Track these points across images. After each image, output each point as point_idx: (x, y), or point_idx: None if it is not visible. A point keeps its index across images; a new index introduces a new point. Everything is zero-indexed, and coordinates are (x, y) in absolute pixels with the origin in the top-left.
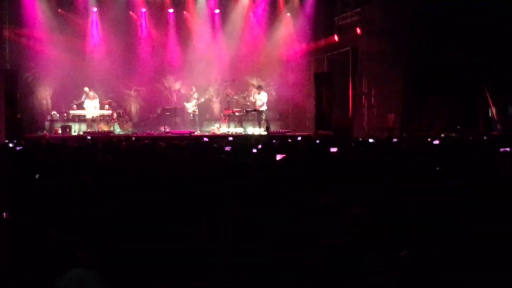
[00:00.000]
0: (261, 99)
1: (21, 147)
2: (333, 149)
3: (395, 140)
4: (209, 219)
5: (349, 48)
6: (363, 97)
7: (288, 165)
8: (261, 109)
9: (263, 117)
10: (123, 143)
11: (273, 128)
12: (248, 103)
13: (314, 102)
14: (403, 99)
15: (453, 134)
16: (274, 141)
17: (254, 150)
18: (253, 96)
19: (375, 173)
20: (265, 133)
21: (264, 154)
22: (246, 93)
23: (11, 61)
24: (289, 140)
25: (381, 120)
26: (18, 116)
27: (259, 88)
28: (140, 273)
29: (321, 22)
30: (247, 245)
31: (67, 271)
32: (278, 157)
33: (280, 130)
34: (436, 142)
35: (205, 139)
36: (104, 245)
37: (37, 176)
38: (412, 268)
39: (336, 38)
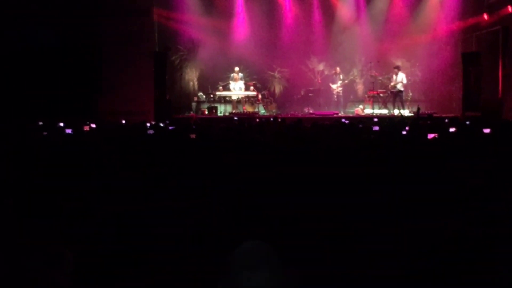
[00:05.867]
0: (398, 80)
1: (173, 127)
2: (486, 130)
3: None
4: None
5: (499, 26)
6: None
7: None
8: (397, 90)
9: (402, 98)
10: (269, 124)
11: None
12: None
13: (460, 83)
14: None
15: None
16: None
17: (404, 132)
18: (393, 77)
19: None
20: (409, 114)
21: (414, 134)
22: (391, 74)
23: (160, 44)
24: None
25: None
26: (167, 97)
27: (396, 68)
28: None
29: (470, 1)
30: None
31: (238, 245)
32: (430, 136)
33: (426, 112)
34: None
35: (343, 120)
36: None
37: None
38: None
39: (485, 16)
